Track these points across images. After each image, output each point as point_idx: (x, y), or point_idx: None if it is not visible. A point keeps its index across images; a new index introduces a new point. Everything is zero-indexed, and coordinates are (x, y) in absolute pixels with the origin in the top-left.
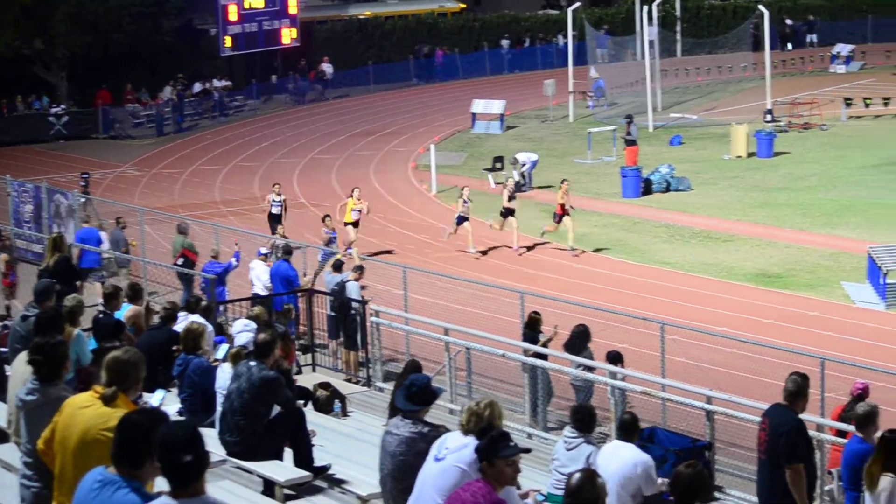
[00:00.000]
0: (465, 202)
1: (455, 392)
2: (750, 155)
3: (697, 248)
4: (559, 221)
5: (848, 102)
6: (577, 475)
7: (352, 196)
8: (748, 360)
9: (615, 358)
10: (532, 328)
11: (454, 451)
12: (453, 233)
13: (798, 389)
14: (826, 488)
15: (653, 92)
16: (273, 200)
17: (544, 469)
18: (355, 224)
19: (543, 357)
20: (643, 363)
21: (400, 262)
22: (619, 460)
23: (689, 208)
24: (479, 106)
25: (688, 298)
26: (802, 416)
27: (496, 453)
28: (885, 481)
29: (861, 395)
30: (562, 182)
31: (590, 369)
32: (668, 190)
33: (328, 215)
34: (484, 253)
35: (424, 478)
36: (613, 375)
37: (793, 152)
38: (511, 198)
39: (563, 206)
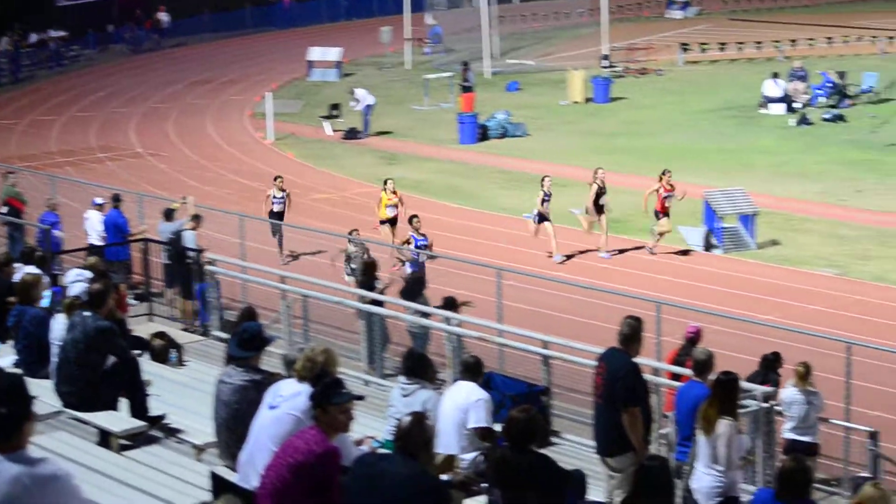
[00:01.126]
0: (546, 196)
1: (291, 340)
2: (587, 100)
3: (534, 193)
4: (663, 217)
5: (684, 47)
6: (407, 419)
7: (385, 189)
8: (585, 304)
9: (451, 304)
10: (368, 275)
11: (288, 398)
12: (534, 234)
13: (633, 333)
14: (662, 431)
15: (490, 38)
16: (275, 197)
17: (382, 416)
18: (392, 222)
19: (380, 304)
20: (480, 309)
21: (237, 209)
22: (457, 397)
23: (526, 154)
24: (315, 53)
25: (524, 244)
26: (638, 359)
27: (329, 400)
28: (722, 425)
29: (694, 338)
30: (663, 173)
31: (426, 315)
32: (504, 136)
33: (416, 216)
34: (569, 256)
35: (259, 426)
36: (449, 321)
37: (630, 98)
38: (599, 194)
39: (663, 201)
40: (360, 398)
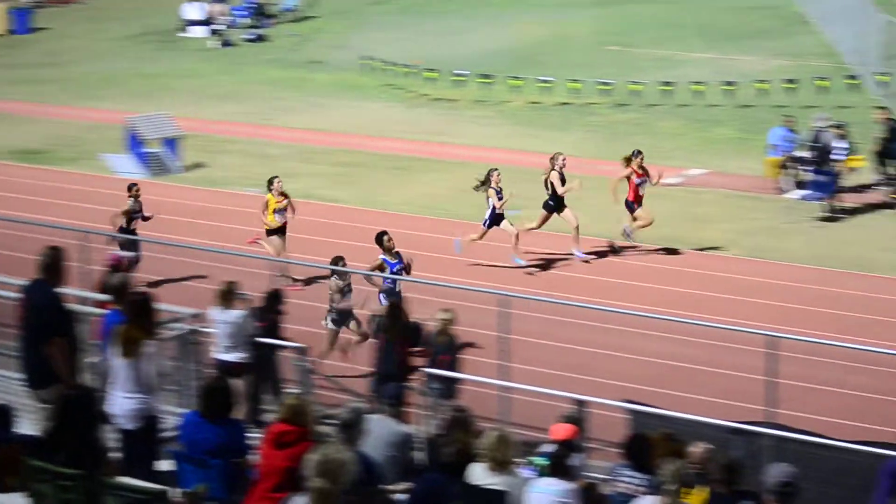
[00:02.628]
0: (498, 193)
1: None
2: (9, 32)
3: None
4: (636, 209)
5: None
6: None
7: (270, 190)
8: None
9: None
10: None
11: None
12: (476, 238)
13: (52, 263)
14: (92, 360)
15: None
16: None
17: None
18: (280, 231)
19: None
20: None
21: None
22: None
23: None
24: None
25: None
26: (66, 289)
27: None
28: (144, 347)
29: (117, 266)
30: (633, 155)
31: None
32: None
33: (386, 232)
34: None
35: None
36: None
37: (53, 28)
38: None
39: (636, 189)
40: None
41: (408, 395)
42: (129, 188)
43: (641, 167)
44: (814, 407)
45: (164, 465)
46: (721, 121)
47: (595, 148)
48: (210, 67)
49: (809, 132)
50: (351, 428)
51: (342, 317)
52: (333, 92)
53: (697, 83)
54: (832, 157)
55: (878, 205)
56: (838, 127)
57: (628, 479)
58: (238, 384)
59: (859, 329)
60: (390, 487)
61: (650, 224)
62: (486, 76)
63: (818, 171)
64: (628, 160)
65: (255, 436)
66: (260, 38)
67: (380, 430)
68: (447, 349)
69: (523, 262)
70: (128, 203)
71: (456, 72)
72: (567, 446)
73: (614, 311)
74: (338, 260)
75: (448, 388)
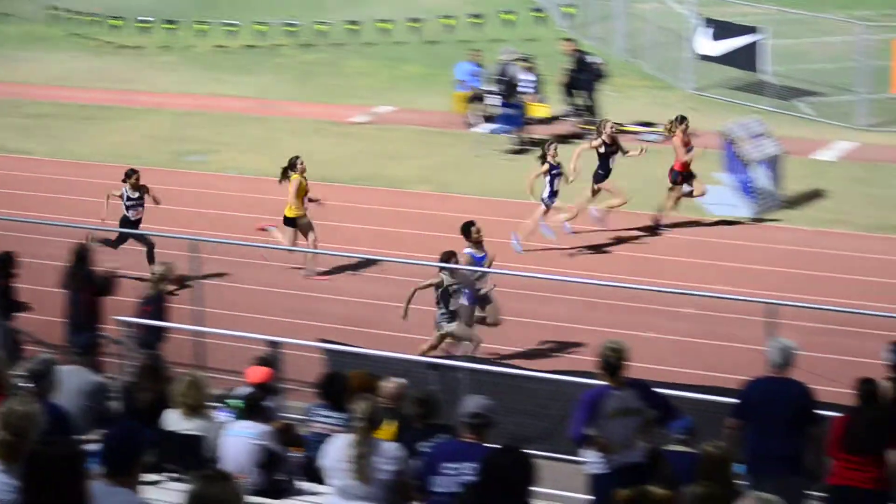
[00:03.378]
0: (553, 168)
1: None
2: None
3: None
4: (681, 182)
5: None
6: None
7: (293, 170)
8: None
9: None
10: None
11: None
12: (543, 216)
13: None
14: None
15: None
16: (128, 198)
17: None
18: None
19: None
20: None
21: None
22: None
23: None
24: None
25: None
26: None
27: None
28: None
29: None
30: (678, 121)
31: None
32: None
33: (473, 223)
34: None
35: None
36: None
37: None
38: (610, 152)
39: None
40: None
41: (100, 344)
42: (129, 175)
43: (686, 135)
44: (510, 339)
45: None
46: (408, 58)
47: (285, 89)
48: None
49: (496, 66)
50: (41, 379)
51: (453, 317)
52: (20, 44)
53: (383, 21)
54: (519, 90)
55: (568, 136)
56: (525, 60)
57: (324, 419)
58: None
59: (552, 260)
60: (83, 437)
61: (704, 193)
62: (172, 22)
63: (506, 104)
64: (671, 128)
65: None
66: None
67: (71, 381)
68: (152, 301)
69: (570, 228)
70: (124, 190)
71: (140, 18)
72: (262, 388)
73: (308, 251)
74: (450, 256)
75: (149, 338)
